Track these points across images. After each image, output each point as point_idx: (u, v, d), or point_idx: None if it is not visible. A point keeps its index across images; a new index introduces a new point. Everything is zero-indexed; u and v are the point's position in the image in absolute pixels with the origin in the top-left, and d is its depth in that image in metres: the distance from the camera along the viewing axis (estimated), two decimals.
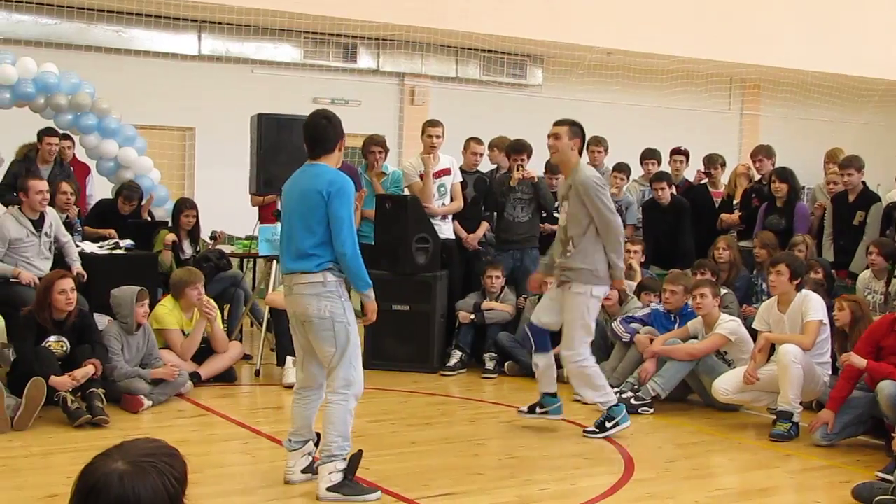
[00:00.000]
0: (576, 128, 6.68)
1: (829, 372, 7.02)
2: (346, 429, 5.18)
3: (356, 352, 5.25)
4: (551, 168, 9.86)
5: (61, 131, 10.18)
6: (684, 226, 9.77)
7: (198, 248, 9.54)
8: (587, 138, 10.31)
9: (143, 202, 10.01)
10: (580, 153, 6.75)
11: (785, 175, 9.38)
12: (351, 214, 5.18)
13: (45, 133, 9.90)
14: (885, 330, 6.57)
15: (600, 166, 10.10)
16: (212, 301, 8.16)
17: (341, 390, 5.17)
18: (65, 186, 9.15)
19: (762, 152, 10.08)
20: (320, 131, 5.31)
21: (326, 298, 5.13)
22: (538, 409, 6.90)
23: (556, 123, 6.72)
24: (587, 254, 6.49)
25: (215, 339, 8.07)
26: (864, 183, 9.20)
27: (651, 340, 7.77)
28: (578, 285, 6.54)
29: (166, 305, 8.00)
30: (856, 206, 9.10)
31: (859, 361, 6.46)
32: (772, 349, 7.14)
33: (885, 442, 6.22)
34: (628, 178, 10.49)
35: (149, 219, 10.06)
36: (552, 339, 6.86)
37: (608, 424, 6.67)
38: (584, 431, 6.75)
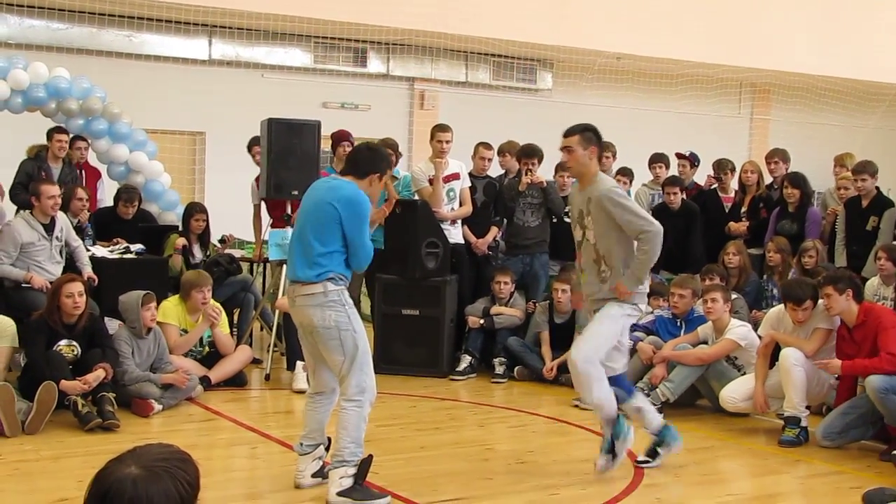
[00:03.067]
0: (588, 133, 5.73)
1: (836, 375, 7.01)
2: (359, 435, 5.18)
3: (366, 358, 5.23)
4: (562, 166, 9.84)
5: (72, 134, 10.23)
6: (695, 230, 9.74)
7: (208, 252, 9.56)
8: None
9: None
10: (600, 160, 5.88)
11: (797, 180, 9.36)
12: (364, 236, 5.18)
13: (54, 131, 9.95)
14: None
15: (608, 172, 10.07)
16: (218, 305, 8.18)
17: (356, 397, 5.17)
18: (80, 192, 9.21)
19: (778, 155, 10.02)
20: (358, 155, 5.44)
21: (329, 308, 5.13)
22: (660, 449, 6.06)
23: (566, 134, 5.77)
24: (620, 275, 5.76)
25: (220, 342, 8.09)
26: (877, 188, 9.17)
27: (654, 350, 7.75)
28: (613, 303, 5.76)
29: (172, 301, 8.08)
30: (869, 211, 9.05)
31: (834, 365, 6.68)
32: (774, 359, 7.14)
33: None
34: (631, 182, 10.48)
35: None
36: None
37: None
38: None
